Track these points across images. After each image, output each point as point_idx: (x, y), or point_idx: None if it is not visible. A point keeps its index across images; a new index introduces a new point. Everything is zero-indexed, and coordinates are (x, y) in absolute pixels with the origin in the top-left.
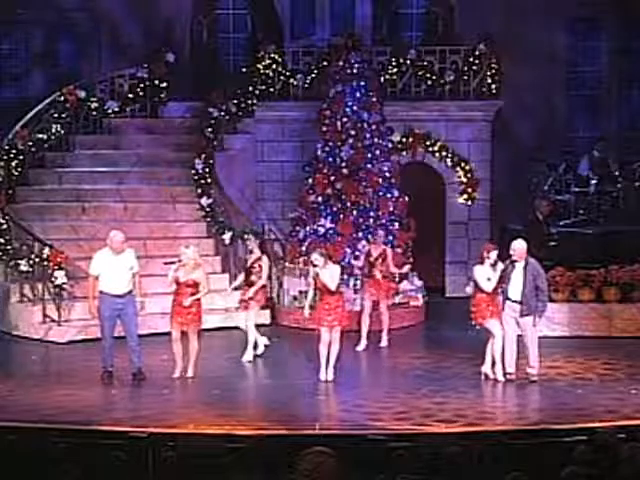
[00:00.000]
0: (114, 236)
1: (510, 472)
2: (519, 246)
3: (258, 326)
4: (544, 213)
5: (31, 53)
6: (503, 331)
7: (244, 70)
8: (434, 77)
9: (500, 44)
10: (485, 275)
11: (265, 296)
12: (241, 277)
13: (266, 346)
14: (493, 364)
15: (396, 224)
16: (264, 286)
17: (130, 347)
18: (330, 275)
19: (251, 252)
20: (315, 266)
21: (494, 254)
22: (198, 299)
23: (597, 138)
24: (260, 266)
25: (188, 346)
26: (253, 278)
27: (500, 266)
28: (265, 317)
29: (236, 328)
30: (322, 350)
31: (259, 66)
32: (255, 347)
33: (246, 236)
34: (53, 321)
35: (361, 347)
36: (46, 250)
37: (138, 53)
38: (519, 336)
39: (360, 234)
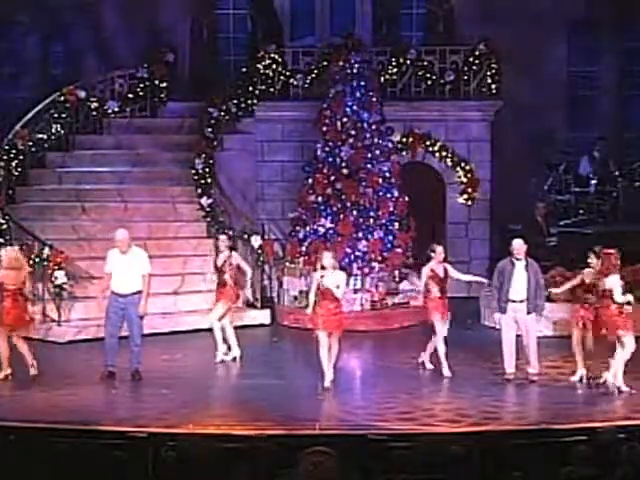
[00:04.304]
0: (116, 234)
1: (510, 472)
2: (518, 244)
3: (258, 326)
4: (540, 215)
5: (28, 53)
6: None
7: (244, 70)
8: (434, 77)
9: (500, 44)
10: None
11: (236, 295)
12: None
13: (234, 359)
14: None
15: (396, 224)
16: (236, 285)
17: (130, 347)
18: (335, 280)
19: (220, 252)
20: (323, 268)
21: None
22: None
23: (597, 138)
24: (231, 264)
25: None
26: (226, 277)
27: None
28: (265, 317)
29: (234, 328)
30: (322, 354)
31: (259, 66)
32: (228, 348)
33: (219, 236)
34: (53, 321)
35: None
36: (46, 250)
37: (137, 55)
38: (518, 336)
39: (360, 234)
